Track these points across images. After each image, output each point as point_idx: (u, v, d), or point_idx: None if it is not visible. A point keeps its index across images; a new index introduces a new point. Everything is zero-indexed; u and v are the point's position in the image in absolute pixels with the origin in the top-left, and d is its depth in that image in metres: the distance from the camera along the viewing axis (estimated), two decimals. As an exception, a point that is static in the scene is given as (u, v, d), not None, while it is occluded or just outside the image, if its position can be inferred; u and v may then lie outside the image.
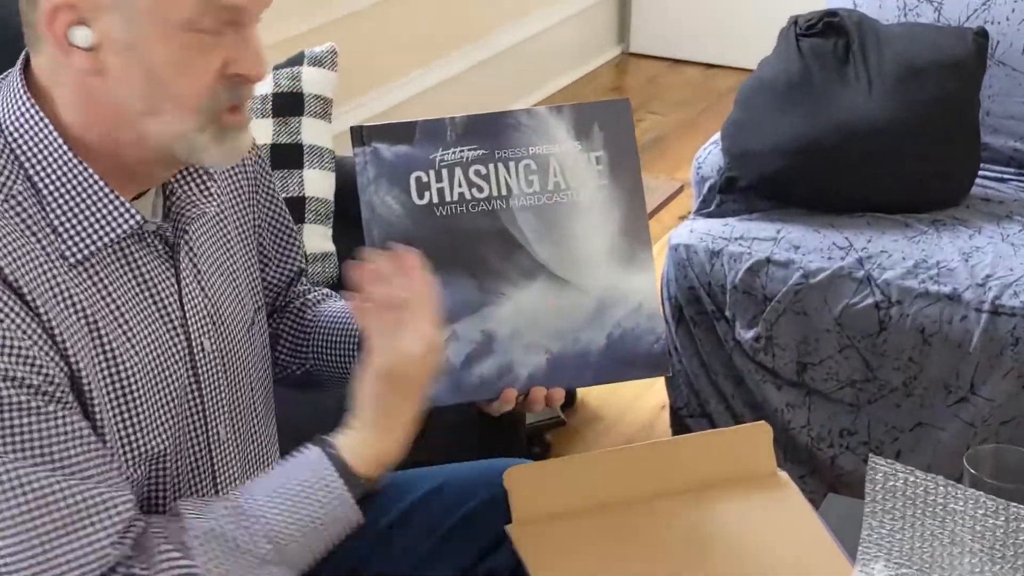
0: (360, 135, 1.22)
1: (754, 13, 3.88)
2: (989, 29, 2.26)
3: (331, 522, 1.09)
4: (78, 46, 0.99)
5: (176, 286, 1.12)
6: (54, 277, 1.03)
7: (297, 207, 2.02)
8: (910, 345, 2.02)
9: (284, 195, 1.99)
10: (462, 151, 1.26)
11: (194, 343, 1.13)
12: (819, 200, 2.24)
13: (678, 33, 4.24)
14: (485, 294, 1.26)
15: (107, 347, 1.05)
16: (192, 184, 1.16)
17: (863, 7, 2.38)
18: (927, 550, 1.19)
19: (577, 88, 4.10)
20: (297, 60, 2.07)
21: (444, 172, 1.25)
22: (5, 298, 0.98)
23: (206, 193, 1.17)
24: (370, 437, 1.11)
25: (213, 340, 1.18)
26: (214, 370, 1.17)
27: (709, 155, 2.35)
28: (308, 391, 1.44)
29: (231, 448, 1.20)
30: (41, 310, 1.00)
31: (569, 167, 1.29)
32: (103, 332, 1.05)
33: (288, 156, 2.05)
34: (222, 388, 1.18)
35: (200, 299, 1.15)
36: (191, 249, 1.16)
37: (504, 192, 1.27)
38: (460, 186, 1.26)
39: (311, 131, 2.06)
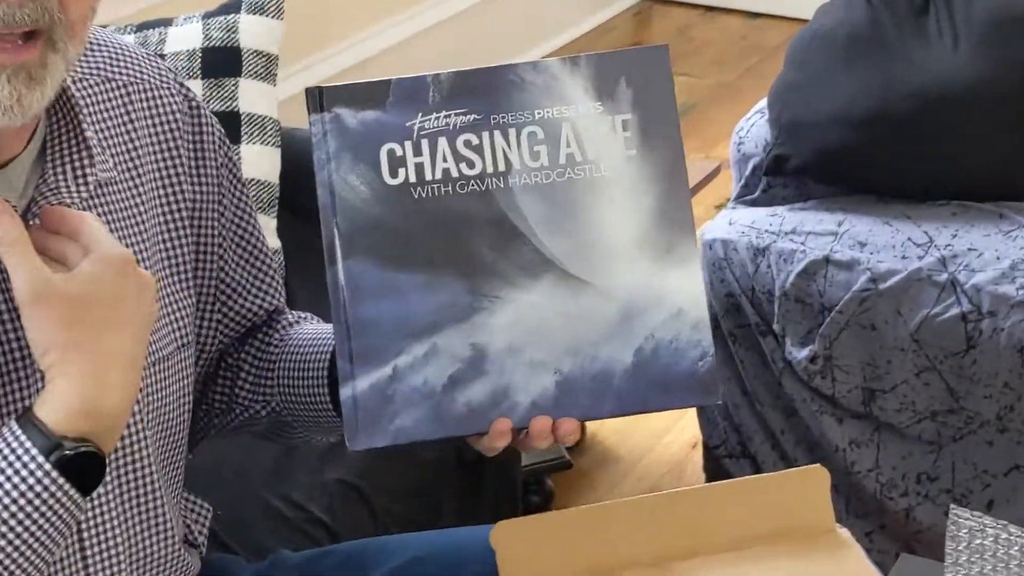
0: (317, 98, 1.23)
1: None
2: None
3: (19, 496, 1.08)
4: None
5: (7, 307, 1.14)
6: None
7: None
8: (1006, 368, 2.04)
9: None
10: (448, 116, 1.27)
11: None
12: (891, 184, 2.28)
13: None
14: (476, 297, 1.27)
15: None
16: (68, 165, 1.18)
17: None
18: None
19: (587, 44, 4.17)
20: (233, 6, 2.11)
21: (424, 143, 1.26)
22: None
23: (81, 180, 1.18)
24: (62, 384, 1.11)
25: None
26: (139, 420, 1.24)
27: (753, 127, 2.38)
28: (282, 440, 1.48)
29: (109, 516, 1.23)
30: None
31: (587, 134, 1.29)
32: None
33: (223, 126, 2.03)
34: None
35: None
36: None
37: (502, 168, 1.28)
38: (445, 161, 1.27)
39: (251, 96, 2.10)
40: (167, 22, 2.15)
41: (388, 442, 1.27)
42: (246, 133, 2.08)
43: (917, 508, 2.15)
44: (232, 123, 2.07)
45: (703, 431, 2.34)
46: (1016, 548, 1.19)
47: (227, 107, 2.07)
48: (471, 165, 1.27)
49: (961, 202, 2.22)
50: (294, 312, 1.47)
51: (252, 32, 2.07)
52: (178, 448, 1.32)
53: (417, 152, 1.26)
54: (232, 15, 2.07)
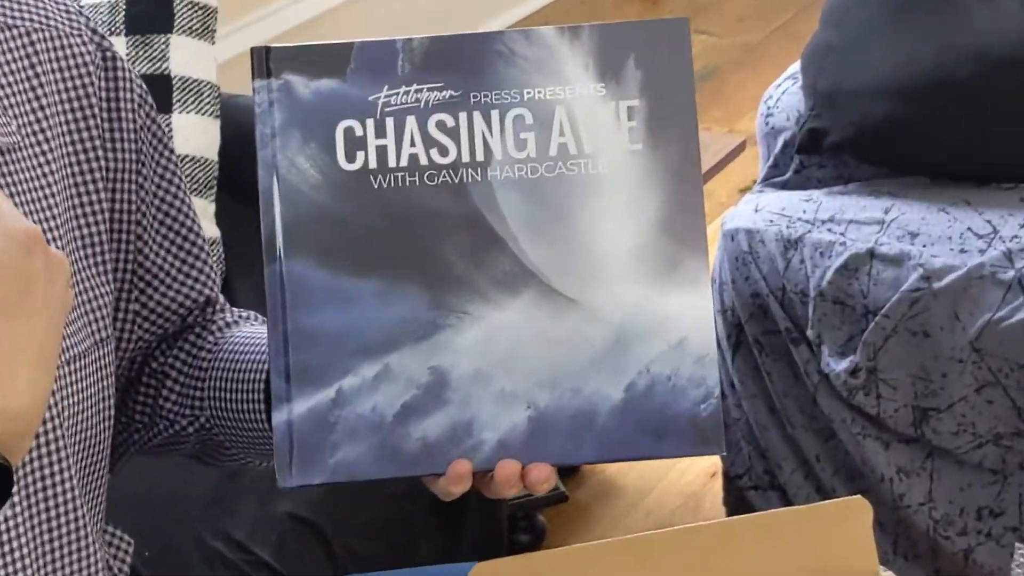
0: (263, 60, 1.24)
1: None
2: None
3: None
4: None
5: None
6: None
7: None
8: None
9: None
10: (420, 91, 1.27)
11: None
12: (947, 164, 2.35)
13: None
14: (440, 312, 1.27)
15: None
16: None
17: None
18: None
19: (578, 3, 4.34)
20: None
21: (390, 122, 1.27)
22: None
23: None
24: None
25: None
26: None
27: (784, 96, 2.44)
28: (215, 463, 1.52)
29: (19, 543, 1.26)
30: None
31: (585, 122, 1.29)
32: None
33: (151, 93, 2.01)
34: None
35: None
36: None
37: (480, 157, 1.28)
38: (413, 145, 1.28)
39: (184, 56, 2.18)
40: None
41: (325, 479, 1.27)
42: (179, 100, 2.14)
43: (978, 549, 2.20)
44: (162, 88, 2.13)
45: (723, 458, 2.38)
46: None
47: (156, 69, 2.12)
48: (444, 152, 1.28)
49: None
50: (234, 310, 1.49)
51: None
52: (98, 465, 1.34)
53: (380, 133, 1.27)
54: None
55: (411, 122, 1.27)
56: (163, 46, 2.14)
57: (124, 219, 1.38)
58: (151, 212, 1.39)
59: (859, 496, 1.30)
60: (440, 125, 1.27)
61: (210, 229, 2.10)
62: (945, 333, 2.13)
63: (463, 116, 1.28)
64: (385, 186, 1.27)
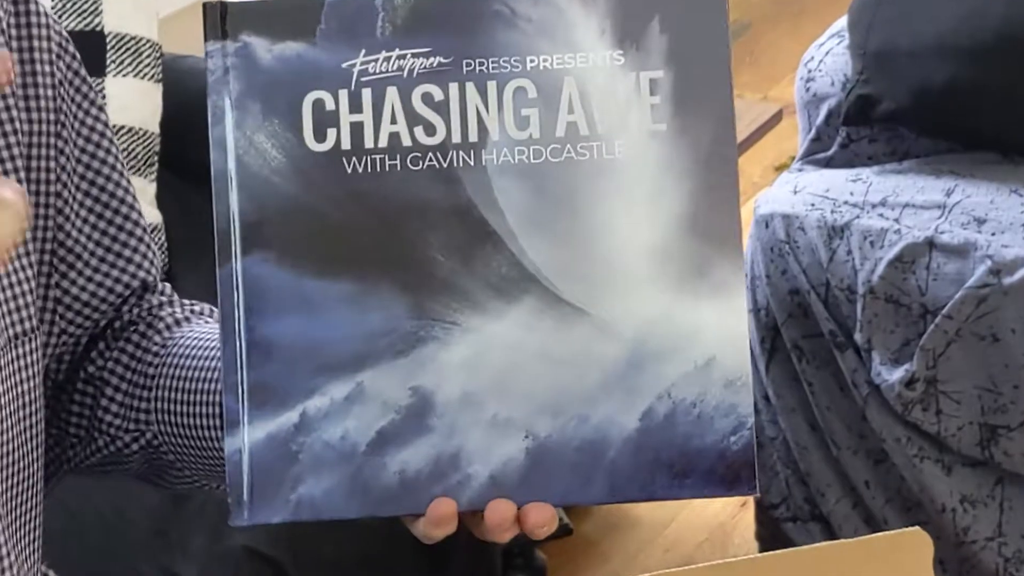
0: (218, 19, 1.22)
1: None
2: None
3: None
4: None
5: None
6: None
7: None
8: None
9: None
10: (403, 57, 1.25)
11: None
12: (1022, 137, 2.31)
13: None
14: (423, 322, 1.24)
15: None
16: None
17: None
18: None
19: None
20: None
21: (367, 95, 1.24)
22: None
23: None
24: None
25: None
26: None
27: (828, 58, 2.44)
28: (163, 484, 1.50)
29: None
30: None
31: (599, 97, 1.25)
32: None
33: (80, 52, 1.95)
34: None
35: None
36: None
37: (474, 137, 1.24)
38: (394, 122, 1.25)
39: (119, 9, 2.22)
40: None
41: (286, 517, 1.22)
42: (114, 61, 2.18)
43: None
44: (94, 47, 2.17)
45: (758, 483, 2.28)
46: None
47: (86, 24, 2.16)
48: (431, 131, 1.23)
49: None
50: (184, 303, 1.44)
51: None
52: (28, 492, 1.33)
53: (356, 107, 1.23)
54: None
55: (392, 94, 1.23)
56: (98, 3, 2.14)
57: (43, 189, 1.34)
58: (74, 181, 1.37)
59: (917, 528, 1.16)
60: (426, 98, 1.24)
61: (150, 213, 2.12)
62: (1018, 337, 2.12)
63: (453, 87, 1.24)
64: (360, 171, 1.24)
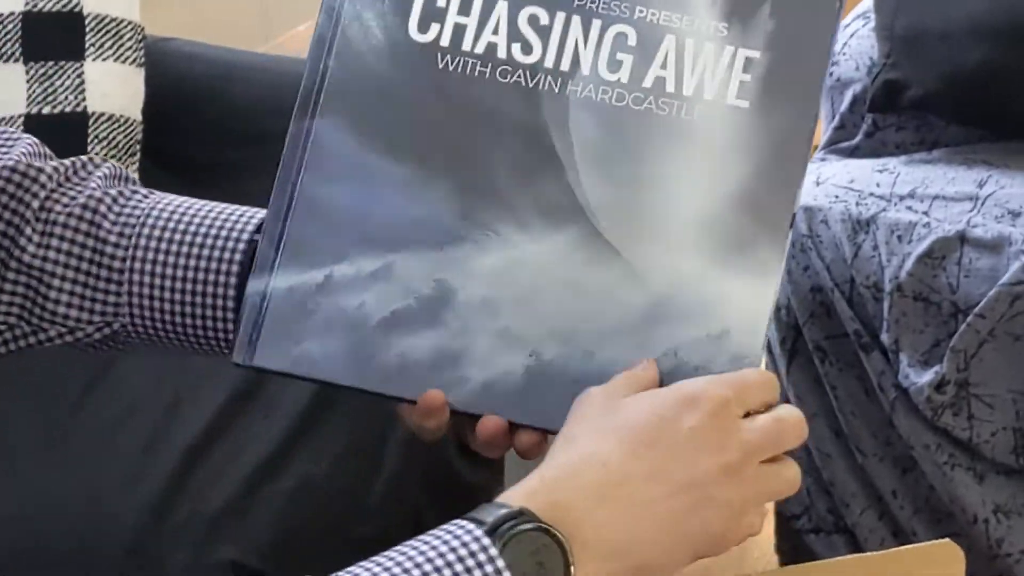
0: None
1: None
2: None
3: None
4: None
5: None
6: None
7: (75, 131, 2.24)
8: None
9: (47, 109, 2.22)
10: None
11: None
12: None
13: None
14: (466, 223, 1.32)
15: None
16: None
17: None
18: None
19: None
20: None
21: (478, 1, 1.34)
22: None
23: None
24: None
25: None
26: None
27: (853, 40, 2.43)
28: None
29: None
30: None
31: (694, 59, 1.33)
32: None
33: (55, 36, 2.23)
34: None
35: None
36: None
37: (566, 67, 1.32)
38: (496, 33, 1.32)
39: None
40: None
41: (284, 368, 1.32)
42: (93, 44, 2.17)
43: None
44: (71, 28, 2.17)
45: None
46: None
47: (63, 5, 2.15)
48: (527, 50, 1.31)
49: None
50: (87, 163, 1.47)
51: None
52: None
53: (464, 10, 1.31)
54: None
55: (501, 7, 1.31)
56: None
57: None
58: None
59: (948, 540, 1.32)
60: (532, 19, 1.31)
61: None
62: None
63: (560, 16, 1.30)
64: (451, 69, 1.31)
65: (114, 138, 2.14)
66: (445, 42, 1.32)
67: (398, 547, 1.23)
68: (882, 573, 1.38)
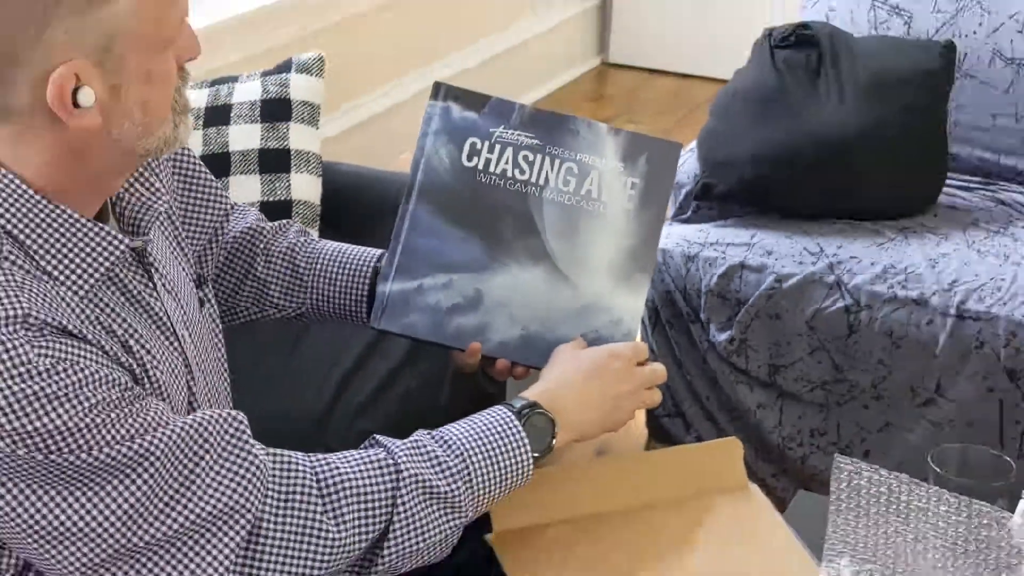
0: (438, 90, 1.61)
1: (729, 25, 5.33)
2: (957, 42, 3.07)
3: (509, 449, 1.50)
4: (83, 105, 1.33)
5: (157, 297, 1.50)
6: (81, 313, 1.38)
7: (283, 210, 2.65)
8: (878, 348, 2.69)
9: (271, 199, 2.60)
10: (520, 135, 1.58)
11: (180, 337, 1.54)
12: (792, 207, 2.91)
13: (655, 44, 5.74)
14: (490, 260, 1.59)
15: (138, 363, 1.44)
16: (139, 186, 1.52)
17: (835, 20, 3.23)
18: (891, 546, 1.45)
19: (558, 97, 5.37)
20: (285, 67, 2.77)
21: (497, 147, 1.57)
22: (69, 341, 1.33)
23: (152, 190, 1.52)
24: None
25: (190, 331, 1.56)
26: (194, 356, 1.57)
27: (685, 163, 2.96)
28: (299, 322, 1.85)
29: (204, 402, 1.61)
30: (91, 339, 1.37)
31: (606, 183, 1.61)
32: (131, 345, 1.44)
33: (276, 160, 2.68)
34: (199, 370, 1.58)
35: (171, 302, 1.54)
36: (154, 259, 1.51)
37: (541, 182, 1.59)
38: (506, 163, 1.57)
39: (299, 136, 2.68)
40: (234, 79, 2.77)
41: (398, 331, 1.62)
42: (295, 165, 2.64)
43: (811, 456, 2.77)
44: (284, 157, 2.63)
45: None
46: (885, 487, 1.43)
47: (280, 144, 2.61)
48: (522, 172, 1.56)
49: (846, 220, 2.89)
50: (286, 224, 1.74)
51: (300, 87, 2.71)
52: (220, 382, 1.65)
53: (491, 151, 1.54)
54: (284, 74, 2.72)
55: (509, 151, 1.55)
56: (285, 130, 2.61)
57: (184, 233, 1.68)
58: (179, 178, 1.65)
59: (733, 438, 1.70)
60: (525, 157, 1.55)
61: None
62: (790, 316, 2.72)
63: (539, 157, 1.55)
64: (483, 181, 1.56)
65: (304, 213, 2.58)
66: (480, 167, 1.54)
67: (462, 420, 1.52)
68: (697, 458, 1.65)
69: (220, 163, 2.77)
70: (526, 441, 1.51)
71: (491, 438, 1.50)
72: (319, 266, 1.76)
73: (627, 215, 1.61)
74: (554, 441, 1.54)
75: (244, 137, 2.69)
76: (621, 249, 1.62)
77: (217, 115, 2.78)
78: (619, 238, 1.62)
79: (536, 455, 1.52)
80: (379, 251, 1.74)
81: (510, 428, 1.50)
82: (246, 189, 2.73)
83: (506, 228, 1.61)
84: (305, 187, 2.70)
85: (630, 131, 1.64)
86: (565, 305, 1.63)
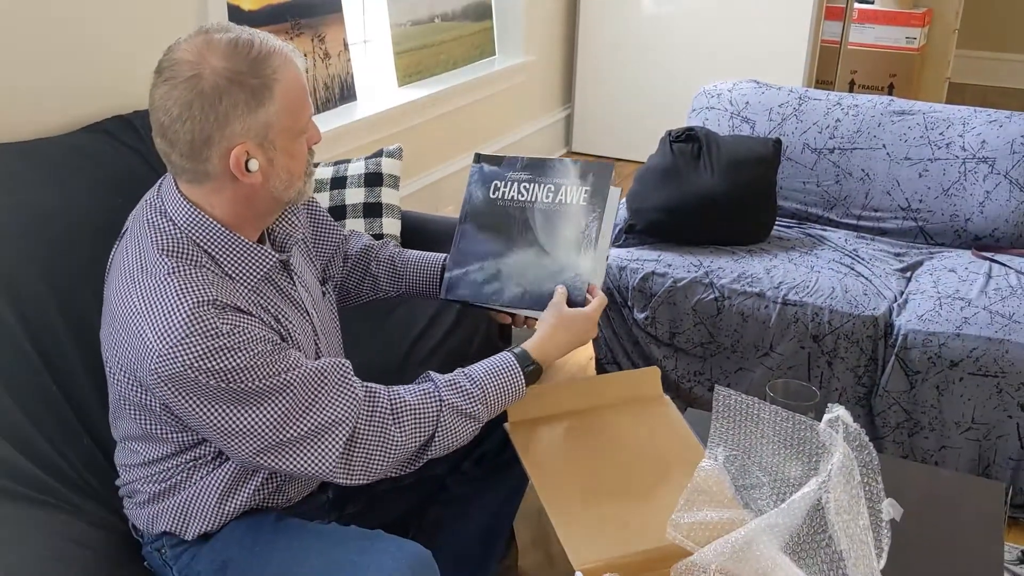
0: (479, 157, 2.23)
1: (646, 125, 7.14)
2: (782, 139, 4.33)
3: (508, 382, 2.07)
4: (252, 171, 1.87)
5: (295, 290, 2.07)
6: (249, 298, 1.89)
7: (381, 237, 3.46)
8: (735, 323, 3.76)
9: (371, 233, 3.38)
10: (520, 175, 2.19)
11: (310, 314, 2.14)
12: (683, 238, 4.05)
13: (602, 139, 7.46)
14: (505, 250, 2.19)
15: (283, 329, 1.98)
16: (285, 220, 2.14)
17: (710, 124, 4.51)
18: (749, 441, 1.94)
19: (535, 137, 6.85)
20: (378, 154, 3.74)
21: (509, 183, 2.18)
22: (241, 314, 1.81)
23: (293, 225, 2.12)
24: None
25: (316, 311, 2.13)
26: (319, 326, 2.15)
27: (620, 210, 4.04)
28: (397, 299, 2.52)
29: (325, 353, 2.18)
30: (255, 313, 1.90)
31: (570, 192, 2.17)
32: (279, 318, 2.02)
33: (373, 210, 3.55)
34: (322, 335, 2.15)
35: (304, 292, 2.10)
36: (294, 266, 2.08)
37: (532, 199, 2.17)
38: (513, 192, 2.16)
39: (387, 195, 3.59)
40: (348, 161, 3.69)
41: (456, 299, 2.31)
42: (385, 212, 3.45)
43: (695, 388, 3.87)
44: (378, 208, 3.44)
45: (595, 351, 3.96)
46: (744, 405, 1.87)
47: (376, 200, 3.40)
48: (522, 195, 2.13)
49: (714, 246, 4.00)
50: (389, 242, 2.33)
51: (388, 165, 3.62)
52: (337, 323, 2.16)
53: (506, 186, 2.18)
54: (378, 158, 3.66)
55: (515, 184, 2.16)
56: (379, 191, 3.42)
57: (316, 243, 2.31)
58: (310, 220, 2.24)
59: (654, 367, 2.41)
60: (524, 187, 2.16)
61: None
62: (682, 303, 3.73)
63: (532, 184, 2.17)
64: (500, 204, 2.19)
65: (391, 237, 3.28)
66: (499, 196, 2.15)
67: (483, 360, 2.17)
68: (631, 379, 2.19)
69: (339, 212, 3.63)
70: (521, 375, 2.11)
71: (499, 373, 2.08)
72: (410, 265, 2.54)
73: (582, 210, 2.23)
74: (535, 369, 2.20)
75: (354, 196, 3.58)
76: (579, 231, 2.21)
77: (338, 183, 3.69)
78: (578, 224, 2.21)
79: (525, 381, 2.18)
80: (443, 254, 2.49)
81: (511, 367, 2.12)
82: (356, 227, 3.53)
83: (513, 229, 2.26)
84: (390, 226, 3.62)
85: (584, 161, 2.26)
86: (548, 270, 2.24)
